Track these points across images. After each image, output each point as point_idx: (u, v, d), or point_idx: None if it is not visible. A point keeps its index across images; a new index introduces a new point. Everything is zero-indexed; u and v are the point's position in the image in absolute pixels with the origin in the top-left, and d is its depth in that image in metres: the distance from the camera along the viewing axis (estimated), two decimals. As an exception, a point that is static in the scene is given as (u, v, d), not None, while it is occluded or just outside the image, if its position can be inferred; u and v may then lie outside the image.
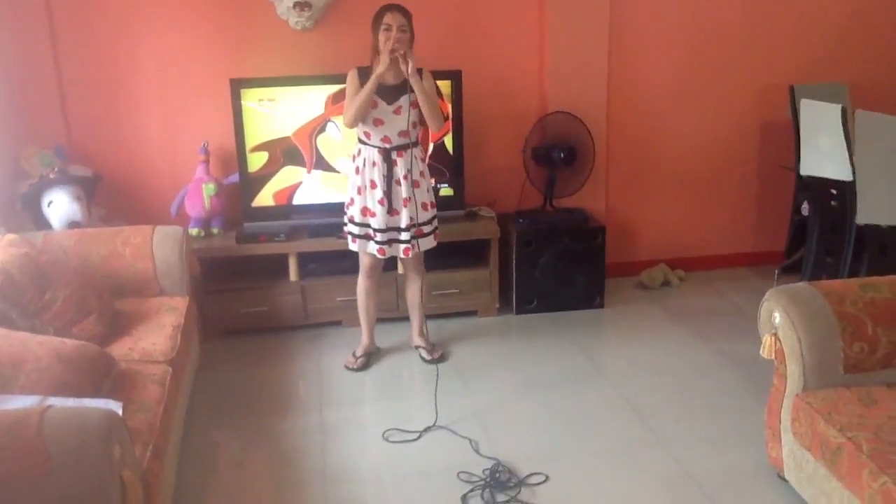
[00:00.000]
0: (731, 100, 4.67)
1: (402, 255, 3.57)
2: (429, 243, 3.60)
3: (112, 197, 4.13)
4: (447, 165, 4.18)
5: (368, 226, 3.53)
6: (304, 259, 4.10)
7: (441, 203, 3.80)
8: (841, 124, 3.75)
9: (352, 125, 3.45)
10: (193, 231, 4.06)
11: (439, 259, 3.81)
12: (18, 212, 3.73)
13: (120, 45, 4.07)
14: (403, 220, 3.50)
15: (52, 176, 3.70)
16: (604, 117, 4.46)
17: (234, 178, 4.10)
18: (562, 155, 4.20)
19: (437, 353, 3.79)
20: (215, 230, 4.14)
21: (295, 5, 4.03)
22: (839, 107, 3.78)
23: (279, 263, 4.08)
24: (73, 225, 3.65)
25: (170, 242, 3.43)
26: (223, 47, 4.14)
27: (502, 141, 4.42)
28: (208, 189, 4.03)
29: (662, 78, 4.58)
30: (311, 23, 4.12)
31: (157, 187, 4.24)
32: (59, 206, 3.67)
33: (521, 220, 4.28)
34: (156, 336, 3.02)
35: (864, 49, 4.69)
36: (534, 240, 4.22)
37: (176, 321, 3.18)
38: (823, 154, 3.92)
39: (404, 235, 3.51)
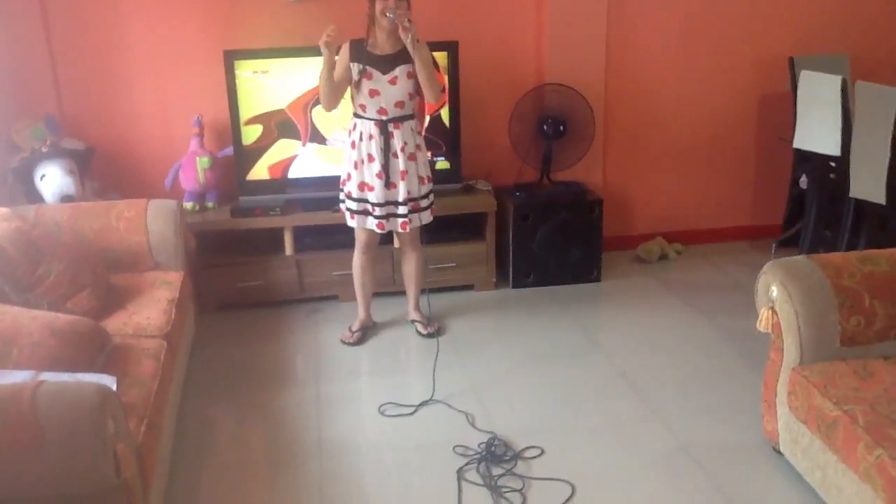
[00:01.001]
0: (729, 71, 4.62)
1: (399, 229, 3.55)
2: (426, 218, 3.58)
3: (105, 170, 4.10)
4: (443, 138, 4.15)
5: (367, 201, 3.50)
6: (300, 233, 4.08)
7: (437, 176, 3.77)
8: (840, 96, 3.71)
9: (329, 109, 3.45)
10: (188, 205, 4.04)
11: (436, 233, 3.79)
12: (10, 185, 3.70)
13: (112, 17, 4.01)
14: (401, 194, 3.47)
15: (44, 149, 3.67)
16: (602, 89, 4.41)
17: (229, 151, 4.07)
18: (560, 128, 4.17)
19: (434, 328, 3.78)
20: (210, 204, 4.12)
21: (288, -25, 3.99)
22: (839, 78, 3.74)
23: (274, 237, 4.05)
24: (66, 199, 3.62)
25: (164, 216, 3.41)
26: (216, 18, 4.08)
27: (499, 113, 4.36)
28: (202, 162, 4.01)
29: (661, 49, 4.53)
30: (305, -7, 4.07)
31: (151, 161, 4.20)
32: (52, 179, 3.64)
33: (517, 194, 4.26)
34: (150, 310, 3.01)
35: (865, 19, 4.64)
36: (531, 213, 4.19)
37: (170, 295, 3.16)
38: (819, 127, 3.89)
39: (402, 209, 3.49)
